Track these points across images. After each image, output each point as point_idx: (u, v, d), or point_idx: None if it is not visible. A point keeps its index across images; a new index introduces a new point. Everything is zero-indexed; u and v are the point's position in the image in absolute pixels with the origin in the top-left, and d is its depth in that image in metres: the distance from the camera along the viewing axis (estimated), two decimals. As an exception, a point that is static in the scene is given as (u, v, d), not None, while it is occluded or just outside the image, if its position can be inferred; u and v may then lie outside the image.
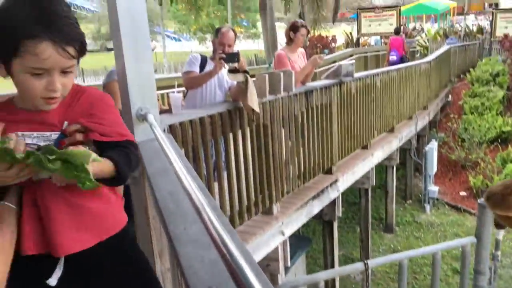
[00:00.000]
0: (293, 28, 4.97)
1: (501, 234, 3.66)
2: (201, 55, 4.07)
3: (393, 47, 13.25)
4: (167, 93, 5.52)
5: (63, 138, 1.33)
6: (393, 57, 13.11)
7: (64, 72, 1.26)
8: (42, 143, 1.29)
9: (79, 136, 1.34)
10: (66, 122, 1.33)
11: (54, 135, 1.32)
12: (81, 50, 1.27)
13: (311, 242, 7.41)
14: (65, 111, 1.34)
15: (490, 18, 20.02)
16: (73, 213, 1.32)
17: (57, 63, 1.22)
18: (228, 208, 3.94)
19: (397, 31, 14.52)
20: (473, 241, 3.45)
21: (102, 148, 1.36)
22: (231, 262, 0.90)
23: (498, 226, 3.62)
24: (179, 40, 50.61)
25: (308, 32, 5.43)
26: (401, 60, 12.86)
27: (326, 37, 18.62)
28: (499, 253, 3.63)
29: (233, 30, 4.08)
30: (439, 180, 11.00)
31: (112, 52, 2.29)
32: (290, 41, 5.04)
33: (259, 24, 30.91)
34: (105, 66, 24.72)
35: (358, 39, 21.02)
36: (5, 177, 1.17)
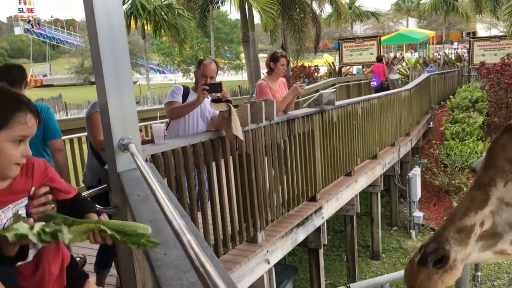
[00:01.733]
0: (273, 58, 5.06)
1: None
2: (183, 86, 4.12)
3: (375, 74, 13.57)
4: (151, 125, 5.56)
5: (30, 201, 1.54)
6: (373, 83, 13.43)
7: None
8: (18, 210, 1.49)
9: (45, 198, 1.58)
10: (33, 188, 1.56)
11: (24, 200, 1.53)
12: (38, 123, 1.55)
13: (298, 271, 7.36)
14: (26, 179, 1.55)
15: (468, 47, 20.57)
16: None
17: (33, 131, 1.49)
18: (212, 237, 3.94)
19: (379, 59, 14.91)
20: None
21: (64, 203, 1.64)
22: (209, 283, 0.93)
23: None
24: (163, 73, 50.97)
25: (288, 62, 5.53)
26: (381, 85, 13.18)
27: (309, 67, 18.93)
28: (479, 273, 3.65)
29: (215, 62, 4.14)
30: (423, 206, 11.07)
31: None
32: (270, 71, 5.14)
33: (242, 56, 31.33)
34: (88, 100, 24.75)
35: (340, 69, 21.39)
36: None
